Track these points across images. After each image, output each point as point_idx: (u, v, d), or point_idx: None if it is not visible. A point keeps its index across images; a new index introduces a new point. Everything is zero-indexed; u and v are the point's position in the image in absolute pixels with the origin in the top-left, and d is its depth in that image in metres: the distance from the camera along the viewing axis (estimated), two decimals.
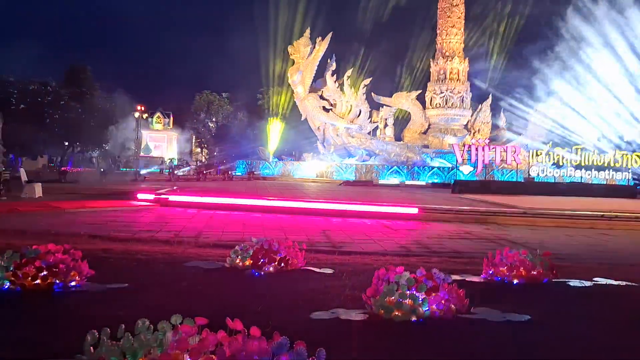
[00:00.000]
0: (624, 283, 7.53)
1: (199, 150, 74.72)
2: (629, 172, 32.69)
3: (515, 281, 7.12)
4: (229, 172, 42.82)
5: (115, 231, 12.20)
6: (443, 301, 5.28)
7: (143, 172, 41.21)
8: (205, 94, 71.13)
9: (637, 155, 33.06)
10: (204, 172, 41.58)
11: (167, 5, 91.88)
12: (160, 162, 56.51)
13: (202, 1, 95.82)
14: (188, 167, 47.17)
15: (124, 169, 50.13)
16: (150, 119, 72.68)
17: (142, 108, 45.54)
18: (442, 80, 45.00)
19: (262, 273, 7.04)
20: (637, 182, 34.04)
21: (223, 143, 63.41)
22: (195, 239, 11.48)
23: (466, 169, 34.23)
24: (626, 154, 33.24)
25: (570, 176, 32.88)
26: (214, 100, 70.70)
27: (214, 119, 71.71)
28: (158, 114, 73.83)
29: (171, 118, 74.10)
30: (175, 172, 39.94)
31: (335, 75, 43.40)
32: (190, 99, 72.65)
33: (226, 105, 70.24)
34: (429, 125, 45.69)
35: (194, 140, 75.34)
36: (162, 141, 74.33)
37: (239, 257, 7.28)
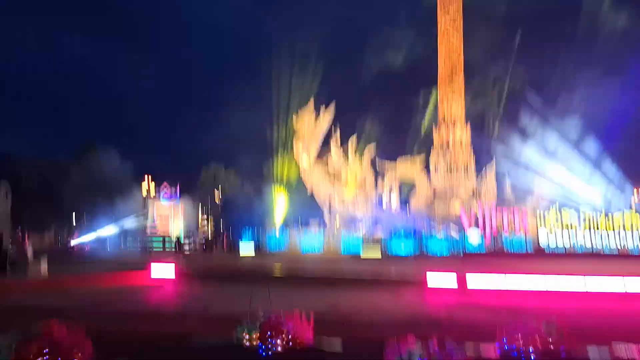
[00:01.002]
0: None
1: (205, 222, 74.68)
2: None
3: (531, 351, 6.88)
4: (234, 245, 42.51)
5: (121, 308, 12.00)
6: None
7: (147, 248, 41.13)
8: (212, 167, 71.98)
9: None
10: (210, 245, 41.37)
11: (174, 81, 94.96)
12: (167, 237, 56.45)
13: (207, 75, 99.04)
14: (193, 241, 46.94)
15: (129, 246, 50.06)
16: (157, 192, 73.22)
17: (149, 178, 46.01)
18: (445, 147, 45.49)
19: (270, 353, 6.82)
20: None
21: (229, 215, 63.39)
22: (202, 313, 11.26)
23: (474, 237, 33.87)
24: (637, 214, 32.84)
25: (582, 241, 32.22)
26: (221, 172, 71.45)
27: (219, 191, 72.16)
28: (165, 186, 74.45)
29: (178, 190, 74.67)
30: (182, 247, 39.75)
31: (339, 144, 43.97)
32: (197, 172, 73.48)
33: (232, 176, 70.94)
34: (435, 191, 45.74)
35: (200, 213, 75.48)
36: (168, 213, 74.50)
37: (246, 331, 7.11)
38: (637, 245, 32.02)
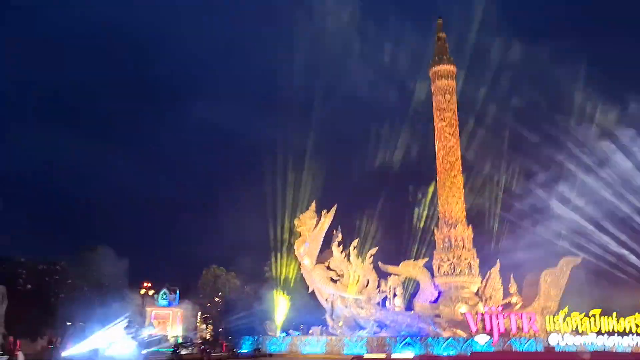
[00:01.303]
0: None
1: (204, 326, 72.54)
2: None
3: None
4: (234, 350, 41.01)
5: None
6: None
7: (144, 352, 39.56)
8: (213, 269, 71.19)
9: None
10: (209, 350, 39.79)
11: (175, 185, 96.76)
12: (166, 341, 54.50)
13: (208, 179, 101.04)
14: (192, 346, 45.28)
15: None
16: (156, 296, 71.85)
17: (149, 285, 45.41)
18: (447, 248, 45.29)
19: None
20: None
21: (229, 318, 61.77)
22: None
23: (482, 339, 32.83)
24: None
25: (592, 343, 31.40)
26: (221, 275, 70.51)
27: (220, 294, 70.82)
28: (164, 290, 73.18)
29: (177, 294, 73.25)
30: (180, 351, 38.23)
31: (341, 246, 43.82)
32: (197, 274, 72.54)
33: (233, 279, 69.89)
34: (439, 293, 44.89)
35: (199, 316, 73.57)
36: (167, 318, 72.52)
37: None
38: None
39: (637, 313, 33.23)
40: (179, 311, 72.70)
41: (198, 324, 73.50)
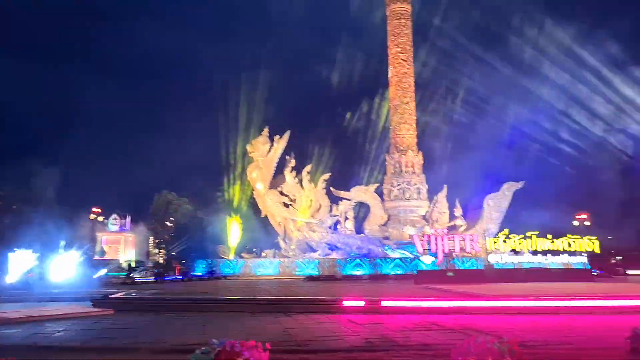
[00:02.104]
0: None
1: (156, 251, 72.93)
2: (583, 256, 33.71)
3: None
4: (188, 273, 41.62)
5: (64, 340, 11.49)
6: None
7: (96, 276, 39.60)
8: (164, 194, 70.73)
9: (589, 239, 34.24)
10: (162, 273, 40.24)
11: (126, 107, 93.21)
12: (117, 266, 54.58)
13: (159, 101, 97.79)
14: (145, 270, 45.62)
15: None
16: (106, 221, 71.17)
17: (99, 210, 44.80)
18: (398, 173, 46.36)
19: None
20: (593, 266, 35.15)
21: (182, 242, 62.24)
22: (154, 344, 10.91)
23: (427, 259, 34.50)
24: (578, 238, 34.39)
25: (528, 262, 33.60)
26: (173, 200, 70.25)
27: (172, 219, 70.85)
28: (115, 215, 72.43)
29: (128, 219, 72.72)
30: (132, 274, 38.50)
31: (294, 171, 44.19)
32: (149, 200, 71.98)
33: (185, 204, 69.81)
34: (389, 217, 46.37)
35: (151, 241, 73.70)
36: (118, 243, 72.29)
37: None
38: (581, 263, 33.57)
39: (568, 234, 35.54)
40: (130, 236, 72.53)
41: (150, 249, 73.82)
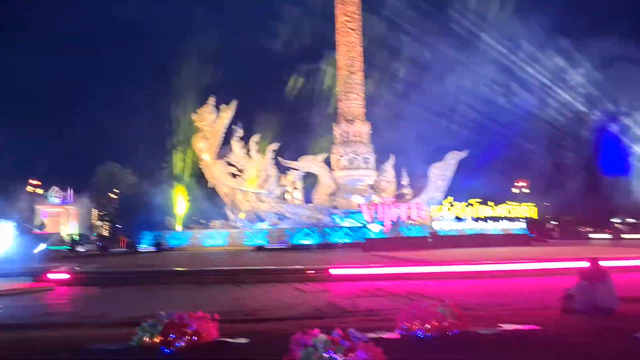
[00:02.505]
0: (527, 327, 7.92)
1: (101, 224, 71.04)
2: (522, 222, 35.27)
3: (428, 334, 7.28)
4: (134, 245, 40.80)
5: (5, 314, 11.11)
6: None
7: (36, 250, 38.22)
8: (108, 165, 68.61)
9: (528, 206, 35.78)
10: (106, 246, 39.35)
11: (68, 77, 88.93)
12: (59, 239, 52.82)
13: (101, 70, 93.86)
14: (89, 243, 44.41)
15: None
16: (46, 193, 68.48)
17: (36, 182, 43.02)
18: (345, 143, 46.63)
19: (174, 349, 6.67)
20: (531, 231, 36.94)
21: (127, 214, 60.80)
22: (98, 318, 10.72)
23: (375, 228, 35.16)
24: (518, 205, 35.87)
25: (470, 228, 34.86)
26: (117, 172, 68.29)
27: (117, 191, 68.98)
28: (55, 187, 69.79)
29: (70, 191, 70.25)
30: (77, 248, 37.44)
31: (242, 141, 43.65)
32: (92, 171, 69.68)
33: (130, 175, 68.01)
34: (337, 186, 46.76)
35: (95, 214, 71.65)
36: (59, 216, 69.84)
37: (147, 334, 6.86)
38: (520, 228, 35.17)
39: (507, 201, 37.02)
40: (73, 209, 70.18)
41: (94, 222, 71.79)
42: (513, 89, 52.58)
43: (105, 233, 65.28)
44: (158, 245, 40.31)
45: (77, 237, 46.12)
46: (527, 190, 57.72)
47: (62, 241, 49.54)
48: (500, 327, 7.87)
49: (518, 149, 54.91)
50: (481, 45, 51.87)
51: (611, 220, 61.16)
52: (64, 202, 68.63)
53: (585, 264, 10.39)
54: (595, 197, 56.19)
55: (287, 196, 44.78)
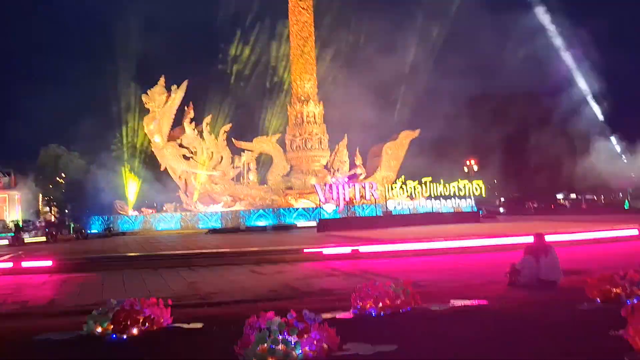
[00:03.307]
0: (476, 302, 8.19)
1: (47, 209, 68.56)
2: (471, 200, 36.25)
3: (382, 312, 7.42)
4: (83, 231, 39.60)
5: None
6: (315, 342, 5.32)
7: None
8: (52, 148, 66.01)
9: (477, 184, 36.75)
10: (54, 232, 37.99)
11: (5, 54, 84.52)
12: (2, 226, 50.67)
13: (40, 48, 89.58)
14: (35, 229, 42.79)
15: None
16: None
17: None
18: (299, 124, 46.49)
19: (125, 337, 6.55)
20: (480, 208, 38.04)
21: (75, 200, 58.92)
22: (47, 308, 10.40)
23: (329, 208, 35.38)
24: (467, 183, 36.79)
25: (422, 206, 35.59)
26: (62, 155, 65.82)
27: (63, 175, 66.56)
28: None
29: (12, 177, 67.37)
30: (20, 235, 35.98)
31: (193, 123, 42.82)
32: (35, 155, 66.89)
33: (76, 159, 65.69)
34: (291, 167, 46.71)
35: (41, 199, 69.05)
36: (2, 202, 67.01)
37: (98, 322, 6.71)
38: (470, 206, 36.16)
39: (459, 179, 37.95)
40: (16, 194, 67.42)
41: (40, 208, 69.21)
42: (462, 67, 53.56)
43: (53, 219, 63.06)
44: (108, 230, 39.33)
45: (21, 224, 44.37)
46: (476, 168, 59.25)
47: (5, 228, 47.59)
48: (451, 303, 8.11)
49: (467, 127, 56.15)
50: (430, 23, 52.48)
51: (556, 195, 63.80)
52: (6, 187, 65.83)
53: (531, 239, 10.81)
54: (541, 175, 58.46)
55: (241, 178, 44.42)
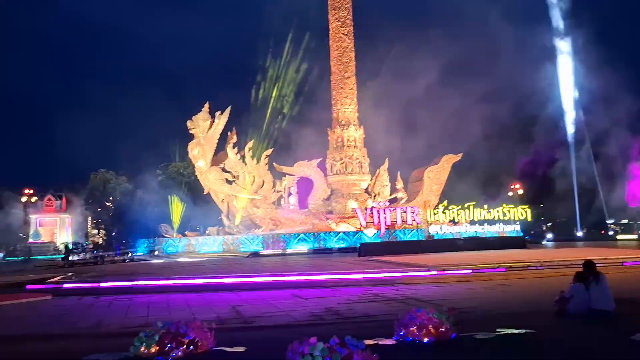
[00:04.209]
0: (524, 331, 7.95)
1: (95, 232, 70.70)
2: (516, 224, 35.37)
3: (425, 340, 7.29)
4: (129, 253, 40.68)
5: (1, 329, 11.03)
6: None
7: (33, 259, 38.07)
8: (102, 173, 68.33)
9: (522, 208, 35.89)
10: (102, 254, 39.15)
11: (58, 84, 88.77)
12: (52, 248, 52.55)
13: (96, 80, 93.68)
14: (84, 251, 44.20)
15: (10, 258, 45.92)
16: (40, 202, 68.17)
17: (31, 192, 42.81)
18: (340, 148, 46.72)
19: (171, 359, 6.65)
20: (526, 233, 37.05)
21: (122, 222, 60.56)
22: (95, 329, 10.67)
23: (370, 232, 35.19)
24: (512, 208, 35.96)
25: (466, 231, 34.93)
26: (111, 179, 68.00)
27: (111, 198, 68.66)
28: (49, 196, 69.51)
29: (64, 200, 69.97)
30: (70, 257, 37.19)
31: (236, 148, 43.68)
32: (85, 179, 69.40)
33: (124, 183, 67.73)
34: (332, 191, 46.82)
35: (89, 222, 71.35)
36: (54, 225, 69.55)
37: (144, 344, 6.84)
38: (515, 231, 35.27)
39: (503, 204, 37.13)
40: (67, 217, 69.92)
41: (89, 230, 71.45)
42: (507, 94, 52.86)
43: (101, 241, 64.96)
44: (153, 252, 40.21)
45: (71, 246, 45.89)
46: (521, 192, 57.88)
47: (56, 250, 49.30)
48: (498, 331, 7.89)
49: (512, 152, 55.16)
50: (475, 50, 52.17)
51: (606, 221, 61.47)
52: (58, 210, 68.39)
53: (580, 266, 10.44)
54: (590, 198, 56.59)
55: (282, 202, 44.79)
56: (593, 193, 57.15)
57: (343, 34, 47.76)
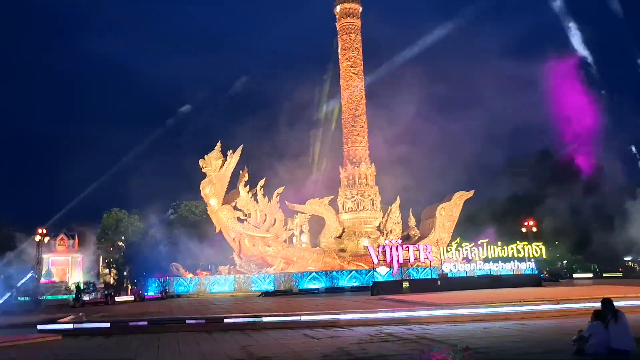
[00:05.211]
0: None
1: (107, 271, 70.63)
2: (532, 262, 34.79)
3: None
4: (140, 292, 40.42)
5: None
6: None
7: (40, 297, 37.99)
8: (114, 212, 68.72)
9: (537, 245, 35.38)
10: (112, 294, 38.92)
11: (72, 125, 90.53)
12: (64, 288, 52.47)
13: (106, 119, 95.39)
14: (95, 291, 44.01)
15: (23, 298, 45.80)
16: (53, 242, 68.48)
17: (43, 231, 43.08)
18: (351, 185, 46.78)
19: None
20: (541, 271, 36.36)
21: (134, 262, 60.49)
22: None
23: (383, 270, 34.75)
24: (527, 245, 35.46)
25: (480, 269, 34.39)
26: (123, 218, 68.32)
27: (123, 237, 68.84)
28: (62, 235, 69.91)
29: (76, 239, 70.29)
30: (82, 297, 37.06)
31: (248, 186, 43.87)
32: (97, 218, 69.79)
33: (136, 222, 67.99)
34: (344, 229, 46.62)
35: (101, 261, 71.39)
36: (66, 265, 69.70)
37: None
38: (530, 268, 34.63)
39: (517, 241, 36.61)
40: (79, 257, 70.09)
41: (101, 270, 71.39)
42: (519, 129, 52.98)
43: (112, 281, 64.78)
44: (164, 292, 39.95)
45: (82, 286, 45.83)
46: (535, 229, 57.21)
47: (67, 290, 49.22)
48: None
49: (525, 188, 54.81)
50: (485, 86, 52.64)
51: (624, 258, 60.32)
52: (70, 250, 68.62)
53: (599, 304, 10.19)
54: (606, 235, 55.61)
55: (294, 240, 44.62)
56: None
57: (353, 73, 48.52)
